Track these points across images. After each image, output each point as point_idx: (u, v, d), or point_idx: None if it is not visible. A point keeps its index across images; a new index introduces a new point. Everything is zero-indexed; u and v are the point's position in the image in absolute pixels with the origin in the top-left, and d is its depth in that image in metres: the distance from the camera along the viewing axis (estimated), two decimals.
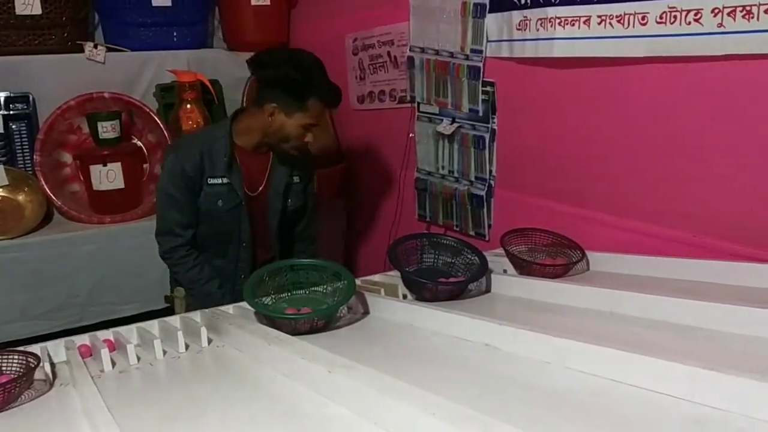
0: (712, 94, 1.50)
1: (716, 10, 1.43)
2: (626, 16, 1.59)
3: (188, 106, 2.60)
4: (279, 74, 1.84)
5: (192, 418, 1.05)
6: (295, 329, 1.40)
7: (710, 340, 1.16)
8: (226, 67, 2.88)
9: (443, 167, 2.27)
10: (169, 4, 2.74)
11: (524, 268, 1.74)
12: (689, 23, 1.48)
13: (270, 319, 1.44)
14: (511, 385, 1.03)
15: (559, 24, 1.73)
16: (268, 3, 2.86)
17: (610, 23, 1.63)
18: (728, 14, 1.41)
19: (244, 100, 2.80)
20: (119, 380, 1.28)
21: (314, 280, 1.57)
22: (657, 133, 1.63)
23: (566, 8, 1.71)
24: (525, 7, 1.83)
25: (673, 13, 1.50)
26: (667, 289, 1.38)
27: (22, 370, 1.24)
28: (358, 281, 1.71)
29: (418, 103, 2.31)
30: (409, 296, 1.64)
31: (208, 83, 2.67)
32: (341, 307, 1.51)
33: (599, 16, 1.64)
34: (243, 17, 2.90)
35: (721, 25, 1.42)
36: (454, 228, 2.26)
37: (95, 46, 2.67)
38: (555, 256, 1.79)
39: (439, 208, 2.33)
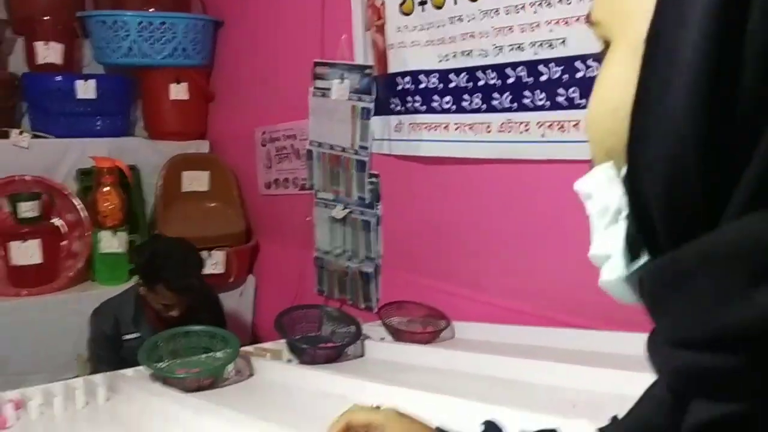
0: (541, 190, 1.83)
1: (540, 123, 1.77)
2: (476, 125, 1.93)
3: (106, 189, 2.80)
4: (137, 261, 2.29)
5: None
6: (185, 387, 1.60)
7: (524, 389, 1.43)
8: (145, 155, 3.10)
9: (338, 247, 2.54)
10: (94, 96, 2.97)
11: (398, 335, 2.00)
12: (521, 132, 1.82)
13: (163, 378, 1.64)
14: None
15: (425, 128, 2.06)
16: (187, 97, 3.12)
17: (464, 130, 1.96)
18: (548, 127, 1.76)
19: (160, 184, 3.02)
20: None
21: (206, 345, 1.78)
22: (503, 221, 1.95)
23: (430, 116, 2.04)
24: (400, 113, 2.16)
25: (509, 124, 1.85)
26: (506, 350, 1.66)
27: None
28: (250, 348, 1.93)
29: (316, 191, 2.59)
30: (294, 360, 1.87)
31: (126, 169, 2.88)
32: (229, 369, 1.72)
33: (455, 124, 1.98)
34: (163, 109, 3.15)
35: (543, 135, 1.77)
36: (348, 302, 2.51)
37: (20, 133, 2.86)
38: (426, 326, 2.05)
39: (335, 284, 2.58)
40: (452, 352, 1.67)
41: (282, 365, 1.76)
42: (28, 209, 2.70)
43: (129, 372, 1.79)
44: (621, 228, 0.36)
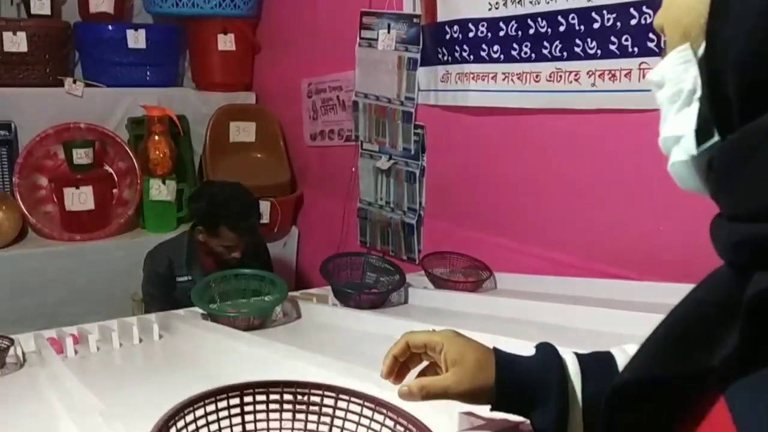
0: (589, 140, 1.82)
1: (590, 72, 1.75)
2: (524, 74, 1.92)
3: (156, 137, 2.86)
4: (202, 206, 2.27)
5: (139, 386, 1.30)
6: (235, 326, 1.65)
7: (564, 332, 1.45)
8: (193, 105, 3.16)
9: (381, 198, 2.57)
10: (144, 46, 3.02)
11: (440, 285, 2.03)
12: (571, 82, 1.80)
13: (213, 317, 1.69)
14: None
15: (473, 78, 2.05)
16: (234, 48, 3.15)
17: (512, 80, 1.95)
18: (599, 76, 1.74)
19: (208, 134, 3.07)
20: (81, 363, 1.52)
21: (255, 288, 1.83)
22: (550, 172, 1.94)
23: (478, 65, 2.03)
24: (447, 63, 2.15)
25: (558, 74, 1.83)
26: (548, 300, 1.67)
27: None
28: (297, 293, 1.98)
29: (361, 142, 2.61)
30: (339, 305, 1.91)
31: (175, 118, 2.94)
32: (277, 310, 1.77)
33: (503, 73, 1.97)
34: (211, 61, 3.19)
35: (594, 84, 1.75)
36: (390, 253, 2.54)
37: (74, 82, 2.94)
38: (468, 276, 2.07)
39: (377, 235, 2.61)
40: (495, 298, 1.69)
41: (328, 308, 1.80)
42: (81, 156, 2.78)
43: (181, 312, 1.86)
44: (693, 110, 0.37)
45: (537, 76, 1.88)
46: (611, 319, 1.43)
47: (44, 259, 2.70)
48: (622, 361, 0.71)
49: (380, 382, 0.96)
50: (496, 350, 0.74)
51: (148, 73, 3.11)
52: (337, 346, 1.51)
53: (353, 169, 2.67)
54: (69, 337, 1.62)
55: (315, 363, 1.13)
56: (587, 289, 1.78)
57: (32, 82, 2.89)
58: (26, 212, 2.78)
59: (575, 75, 1.79)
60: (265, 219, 2.92)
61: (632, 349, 0.67)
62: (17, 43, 2.80)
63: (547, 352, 0.74)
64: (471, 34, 2.04)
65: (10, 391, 1.36)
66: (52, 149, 2.88)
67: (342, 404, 0.69)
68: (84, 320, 2.61)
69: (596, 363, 0.72)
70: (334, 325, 1.68)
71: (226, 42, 3.13)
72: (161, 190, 2.91)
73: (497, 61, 1.98)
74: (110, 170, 2.98)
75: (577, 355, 0.73)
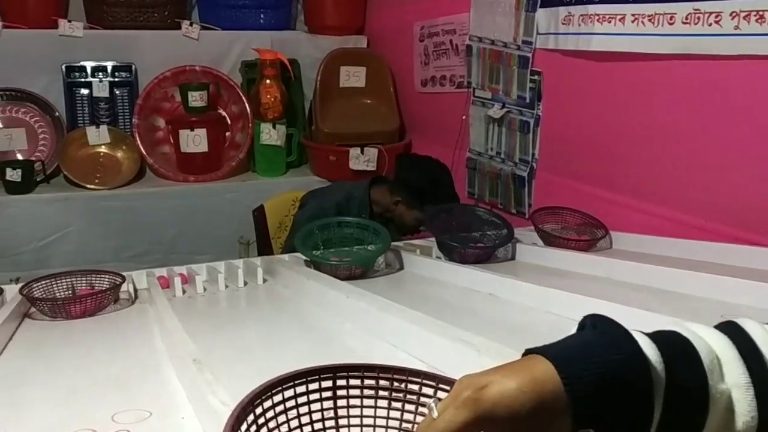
0: (727, 91, 1.63)
1: (734, 14, 1.56)
2: (656, 16, 1.74)
3: (268, 81, 2.87)
4: (412, 179, 2.29)
5: (238, 330, 1.30)
6: (335, 274, 1.63)
7: (685, 301, 1.32)
8: (306, 48, 3.14)
9: (492, 149, 2.46)
10: None
11: (550, 242, 1.92)
12: (710, 25, 1.62)
13: (316, 264, 1.68)
14: (501, 324, 1.24)
15: (598, 20, 1.89)
16: None
17: (642, 22, 1.77)
18: (744, 18, 1.54)
19: (318, 78, 3.04)
20: (187, 303, 1.55)
21: (358, 236, 1.80)
22: (679, 125, 1.77)
23: (604, 6, 1.86)
24: (570, 3, 1.99)
25: (697, 15, 1.64)
26: (668, 263, 1.54)
27: (110, 285, 1.54)
28: (400, 243, 1.94)
29: (474, 89, 2.50)
30: (443, 258, 1.85)
31: (287, 62, 2.93)
32: (379, 260, 1.74)
33: (633, 15, 1.79)
34: (323, 3, 3.14)
35: (737, 27, 1.56)
36: (498, 206, 2.44)
37: (191, 24, 2.98)
38: (581, 234, 1.96)
39: (486, 187, 2.52)
40: (609, 260, 1.57)
41: (431, 261, 1.74)
42: (197, 99, 2.83)
43: (285, 257, 1.86)
44: None
45: (671, 18, 1.70)
46: (736, 289, 1.29)
47: (160, 199, 2.80)
48: (704, 350, 0.53)
49: (480, 347, 0.90)
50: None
51: (262, 16, 3.11)
52: (438, 301, 1.46)
53: (464, 117, 2.57)
54: (178, 276, 1.65)
55: (413, 320, 1.08)
56: (714, 255, 1.63)
57: (151, 24, 2.95)
58: (144, 152, 2.88)
59: (716, 16, 1.60)
60: (373, 166, 2.88)
61: (705, 330, 0.55)
62: None
63: (617, 335, 0.53)
64: None
65: (120, 326, 1.40)
66: (170, 91, 2.95)
67: (441, 394, 0.62)
68: (193, 259, 2.71)
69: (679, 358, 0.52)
70: (437, 279, 1.62)
71: None
72: (272, 135, 2.93)
73: (626, 1, 1.81)
74: (223, 113, 3.02)
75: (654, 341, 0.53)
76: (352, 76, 3.10)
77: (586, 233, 1.95)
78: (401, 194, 2.31)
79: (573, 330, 0.56)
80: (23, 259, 2.60)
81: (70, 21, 2.84)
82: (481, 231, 1.93)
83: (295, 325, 1.32)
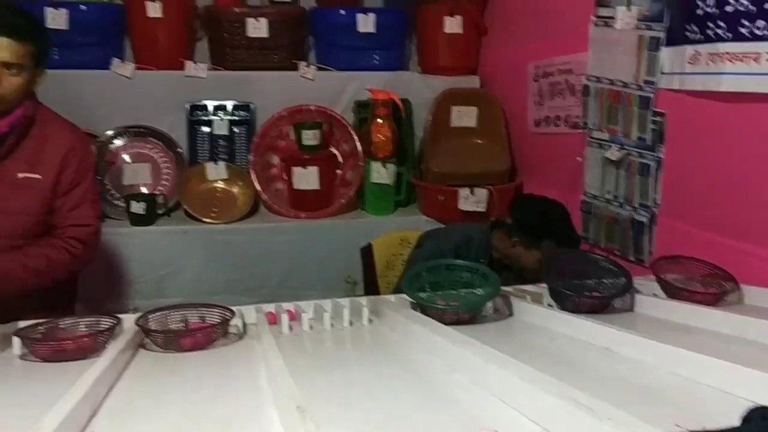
0: None
1: None
2: None
3: (380, 121, 2.90)
4: (528, 219, 2.24)
5: (342, 373, 1.28)
6: (442, 319, 1.58)
7: None
8: (418, 88, 3.16)
9: (608, 192, 2.35)
10: (373, 30, 3.07)
11: (673, 293, 1.79)
12: None
13: (422, 308, 1.64)
14: (621, 384, 1.15)
15: (729, 59, 1.77)
16: (461, 31, 3.09)
17: None
18: None
19: (429, 118, 3.04)
20: (293, 341, 1.55)
21: (466, 280, 1.75)
22: None
23: (737, 44, 1.75)
24: (698, 42, 1.88)
25: None
26: None
27: (220, 320, 1.56)
28: (510, 288, 1.87)
29: (590, 129, 2.41)
30: (554, 306, 1.77)
31: (399, 102, 2.96)
32: (488, 306, 1.68)
33: None
34: (437, 43, 3.16)
35: None
36: (615, 252, 2.32)
37: (308, 66, 3.07)
38: (708, 286, 1.81)
39: (602, 232, 2.40)
40: (740, 317, 1.44)
41: (542, 309, 1.67)
42: (310, 137, 2.90)
43: (391, 298, 1.84)
44: None
45: None
46: None
47: (272, 234, 2.86)
48: None
49: (601, 413, 0.83)
50: None
51: (376, 57, 3.16)
52: (550, 354, 1.38)
53: (579, 158, 2.48)
54: (285, 313, 1.66)
55: (524, 375, 1.01)
56: None
57: (271, 65, 3.06)
58: (259, 188, 2.96)
59: None
60: (483, 207, 2.83)
61: None
62: (259, 28, 2.99)
63: None
64: (728, 8, 1.76)
65: (228, 362, 1.41)
66: (285, 130, 3.04)
67: None
68: (301, 294, 2.77)
69: None
70: (548, 329, 1.54)
71: (452, 25, 3.08)
72: (381, 173, 2.94)
73: (761, 39, 1.69)
74: (335, 152, 3.07)
75: None
76: (464, 116, 3.08)
77: (713, 285, 1.80)
78: (518, 235, 2.25)
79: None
80: (143, 288, 2.72)
81: (195, 63, 3.00)
82: (596, 279, 1.83)
83: (400, 371, 1.28)
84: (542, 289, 1.83)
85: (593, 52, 2.34)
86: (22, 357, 1.44)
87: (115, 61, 2.93)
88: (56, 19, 2.81)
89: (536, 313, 1.64)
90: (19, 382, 1.33)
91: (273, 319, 1.68)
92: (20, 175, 1.67)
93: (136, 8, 2.93)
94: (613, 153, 2.27)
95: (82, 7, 2.89)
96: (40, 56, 1.65)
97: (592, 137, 2.41)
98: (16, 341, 1.45)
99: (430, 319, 1.52)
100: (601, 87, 2.32)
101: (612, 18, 2.21)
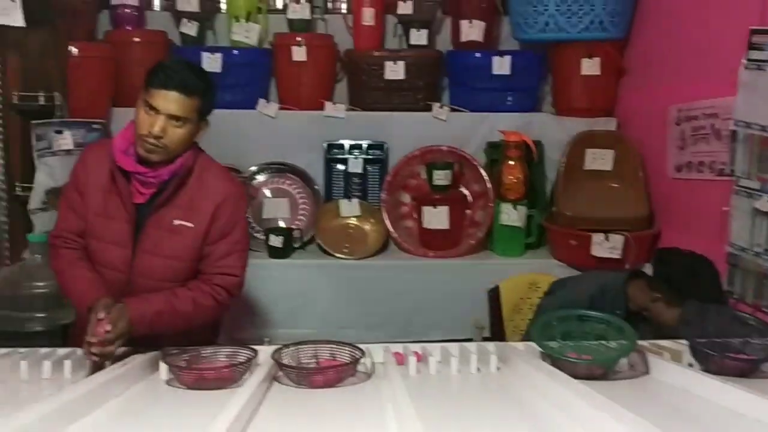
0: None
1: None
2: None
3: (511, 162, 2.89)
4: (673, 275, 2.21)
5: (469, 421, 1.28)
6: (573, 372, 1.54)
7: None
8: (551, 130, 3.12)
9: (758, 245, 2.20)
10: (508, 72, 3.08)
11: None
12: None
13: (553, 359, 1.60)
14: None
15: None
16: (598, 73, 3.03)
17: None
18: None
19: (563, 160, 2.99)
20: (420, 384, 1.56)
21: (599, 333, 1.70)
22: None
23: None
24: None
25: None
26: None
27: (350, 359, 1.60)
28: (646, 343, 1.79)
29: (738, 177, 2.28)
30: (696, 366, 1.67)
31: (531, 143, 2.93)
32: (622, 361, 1.62)
33: None
34: (572, 85, 3.11)
35: None
36: (763, 308, 2.17)
37: (441, 107, 3.12)
38: None
39: (749, 286, 2.25)
40: None
41: (682, 369, 1.58)
42: (441, 177, 2.93)
43: (520, 346, 1.81)
44: None
45: None
46: None
47: (400, 272, 2.90)
48: None
49: None
50: None
51: (509, 98, 3.16)
52: (691, 421, 1.31)
53: (725, 208, 2.34)
54: (413, 355, 1.68)
55: None
56: None
57: (405, 106, 3.14)
58: (390, 226, 3.02)
59: None
60: (618, 254, 2.73)
61: None
62: (396, 71, 3.08)
63: None
64: None
65: (357, 401, 1.45)
66: (416, 169, 3.09)
67: None
68: (427, 333, 2.77)
69: None
70: (688, 392, 1.46)
71: (590, 66, 3.02)
72: (511, 215, 2.92)
73: None
74: (465, 192, 3.08)
75: None
76: (599, 159, 3.00)
77: None
78: (660, 290, 2.16)
79: None
80: (274, 318, 2.84)
81: (334, 103, 3.13)
82: (743, 338, 1.71)
83: (527, 426, 1.26)
84: (682, 346, 1.74)
85: (743, 96, 2.22)
86: (168, 382, 1.55)
87: (261, 101, 3.11)
88: (211, 62, 3.03)
89: (675, 373, 1.56)
90: (165, 409, 1.42)
91: (401, 360, 1.70)
92: (176, 222, 1.75)
93: (283, 52, 3.11)
94: (765, 203, 2.13)
95: (234, 51, 3.11)
96: (205, 110, 1.74)
97: (739, 185, 2.27)
98: (163, 367, 1.56)
99: (561, 373, 1.48)
100: (752, 133, 2.19)
101: (765, 62, 2.09)
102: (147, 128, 1.65)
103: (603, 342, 1.68)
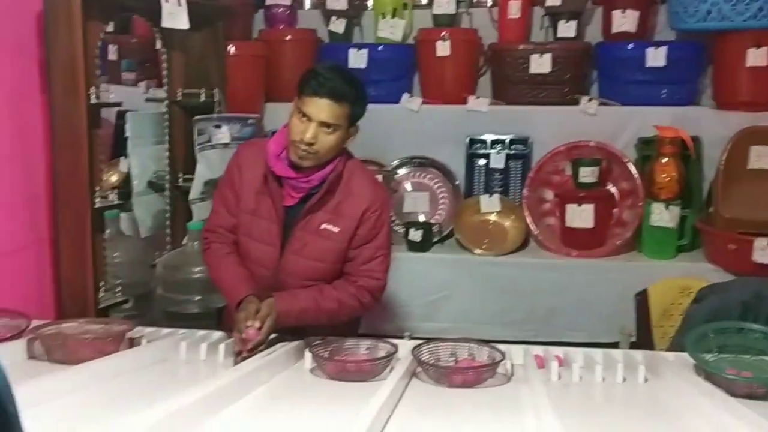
0: None
1: None
2: None
3: (665, 159, 2.73)
4: None
5: None
6: (731, 390, 1.43)
7: None
8: (710, 125, 2.90)
9: None
10: (663, 64, 2.90)
11: None
12: None
13: (708, 374, 1.50)
14: None
15: None
16: (766, 63, 2.78)
17: None
18: None
19: (724, 158, 2.78)
20: (562, 391, 1.52)
21: (761, 347, 1.57)
22: None
23: None
24: None
25: None
26: None
27: (490, 360, 1.58)
28: None
29: None
30: None
31: (688, 140, 2.75)
32: None
33: None
34: (736, 77, 2.87)
35: None
36: None
37: (589, 100, 3.00)
38: None
39: None
40: None
41: None
42: (587, 174, 2.83)
43: (670, 356, 1.72)
44: None
45: None
46: None
47: (541, 270, 2.83)
48: None
49: None
50: None
51: (664, 92, 2.98)
52: None
53: None
54: (554, 359, 1.64)
55: None
56: None
57: (550, 100, 3.05)
58: (531, 223, 2.96)
59: None
60: None
61: None
62: (542, 64, 2.99)
63: None
64: None
65: (496, 404, 1.43)
66: (561, 165, 3.00)
67: None
68: (567, 334, 2.69)
69: None
70: None
71: (756, 57, 2.78)
72: (663, 215, 2.76)
73: None
74: (613, 190, 2.96)
75: None
76: (764, 157, 2.77)
77: None
78: None
79: None
80: (412, 312, 2.86)
81: (477, 97, 3.10)
82: None
83: None
84: None
85: None
86: (312, 371, 1.61)
87: (405, 96, 3.14)
88: (357, 58, 3.09)
89: None
90: (309, 398, 1.48)
91: (541, 363, 1.67)
92: (323, 226, 1.80)
93: (427, 48, 3.11)
94: None
95: (379, 47, 3.16)
96: (355, 117, 1.77)
97: None
98: (308, 356, 1.63)
99: (717, 390, 1.39)
100: None
101: None
102: (299, 135, 1.70)
103: (765, 357, 1.56)
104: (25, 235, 2.08)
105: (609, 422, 1.35)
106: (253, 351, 1.62)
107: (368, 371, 1.55)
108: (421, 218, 3.08)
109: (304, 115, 1.70)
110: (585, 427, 1.26)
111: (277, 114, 2.86)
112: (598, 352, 1.73)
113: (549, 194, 3.03)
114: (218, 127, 2.60)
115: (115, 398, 1.39)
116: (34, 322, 1.74)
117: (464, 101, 3.08)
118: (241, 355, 1.62)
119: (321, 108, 1.69)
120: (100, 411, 1.30)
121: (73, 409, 1.28)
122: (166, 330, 1.89)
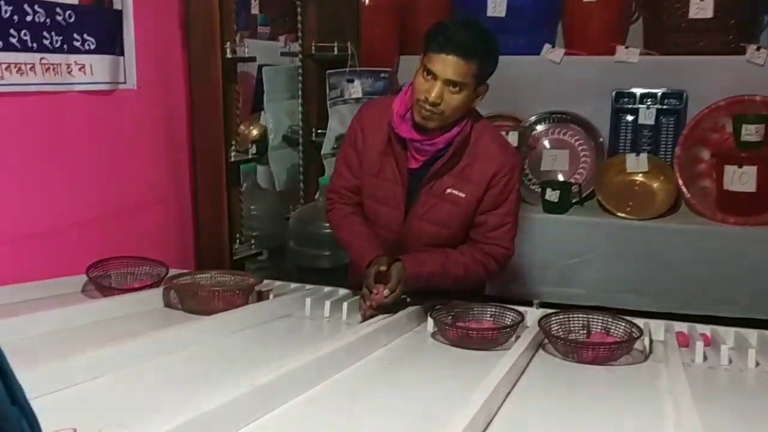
0: None
1: None
2: None
3: None
4: None
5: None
6: None
7: None
8: None
9: None
10: None
11: None
12: None
13: None
14: None
15: None
16: None
17: None
18: None
19: None
20: (706, 376, 1.38)
21: None
22: None
23: None
24: None
25: None
26: None
27: (626, 336, 1.46)
28: None
29: None
30: None
31: None
32: None
33: None
34: None
35: None
36: None
37: (758, 49, 2.67)
38: None
39: None
40: None
41: None
42: (752, 132, 2.55)
43: None
44: None
45: None
46: None
47: (691, 237, 2.59)
48: None
49: None
50: None
51: None
52: None
53: None
54: (700, 338, 1.49)
55: None
56: None
57: (712, 49, 2.75)
58: (682, 185, 2.72)
59: None
60: None
61: None
62: (704, 9, 2.70)
63: None
64: None
65: (630, 383, 1.33)
66: (721, 122, 2.71)
67: None
68: (718, 308, 2.47)
69: None
70: None
71: None
72: None
73: None
74: None
75: None
76: None
77: None
78: None
79: None
80: (547, 276, 2.73)
81: (627, 47, 2.86)
82: None
83: None
84: None
85: None
86: (433, 335, 1.56)
87: (546, 46, 2.95)
88: (496, 7, 2.94)
89: None
90: (429, 363, 1.44)
91: (685, 341, 1.53)
92: (448, 191, 1.72)
93: None
94: None
95: None
96: (483, 75, 1.65)
97: None
98: (430, 321, 1.58)
99: None
100: None
101: None
102: (424, 94, 1.61)
103: None
104: (167, 188, 2.18)
105: (761, 419, 1.19)
106: (379, 310, 1.60)
107: (492, 340, 1.48)
108: (560, 177, 2.92)
109: (430, 72, 1.60)
110: (729, 423, 1.13)
111: (411, 67, 2.76)
112: (752, 333, 1.56)
113: (705, 154, 2.77)
114: (350, 81, 2.58)
115: (236, 353, 1.42)
116: (172, 271, 1.82)
117: (612, 51, 2.86)
118: (368, 311, 1.60)
119: (447, 65, 1.58)
120: (218, 367, 1.33)
121: (194, 364, 1.32)
122: (294, 284, 1.92)
